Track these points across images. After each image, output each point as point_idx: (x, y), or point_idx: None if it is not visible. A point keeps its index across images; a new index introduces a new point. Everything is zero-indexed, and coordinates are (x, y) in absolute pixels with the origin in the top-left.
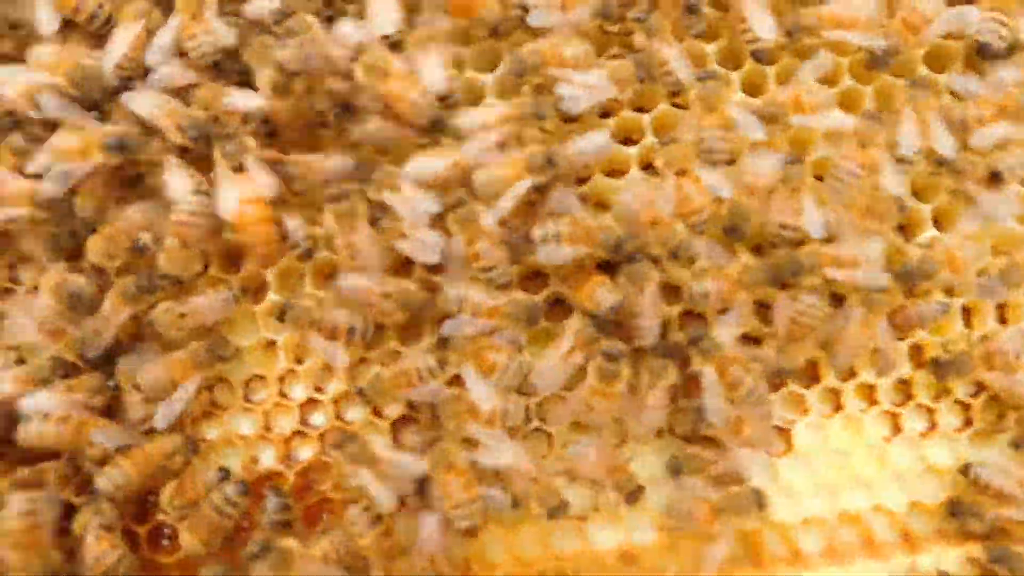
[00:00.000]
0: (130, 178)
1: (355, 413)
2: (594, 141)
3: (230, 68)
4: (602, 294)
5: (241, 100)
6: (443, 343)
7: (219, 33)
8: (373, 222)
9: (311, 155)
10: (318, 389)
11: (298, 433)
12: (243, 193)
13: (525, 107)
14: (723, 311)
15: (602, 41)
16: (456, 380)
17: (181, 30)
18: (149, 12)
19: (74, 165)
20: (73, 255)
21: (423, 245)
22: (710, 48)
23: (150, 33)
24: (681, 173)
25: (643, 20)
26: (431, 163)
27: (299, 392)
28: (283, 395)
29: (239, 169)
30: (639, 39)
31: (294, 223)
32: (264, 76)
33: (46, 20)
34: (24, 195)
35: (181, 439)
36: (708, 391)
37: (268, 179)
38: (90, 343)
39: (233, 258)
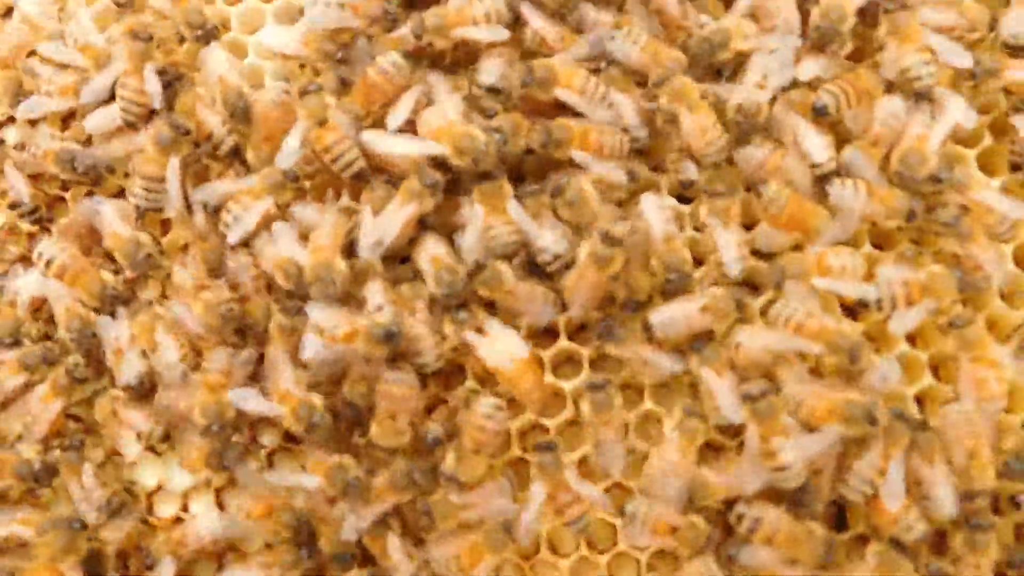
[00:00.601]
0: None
1: None
2: (895, 371)
3: None
4: (912, 522)
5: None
6: (730, 560)
7: (522, 226)
8: None
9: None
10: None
11: None
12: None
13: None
14: None
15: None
16: None
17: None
18: (421, 195)
19: (345, 349)
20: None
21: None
22: (1007, 249)
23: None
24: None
25: (955, 224)
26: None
27: None
28: None
29: (481, 330)
30: (949, 244)
31: None
32: (586, 248)
33: (288, 155)
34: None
35: None
36: None
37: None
38: (350, 527)
39: None
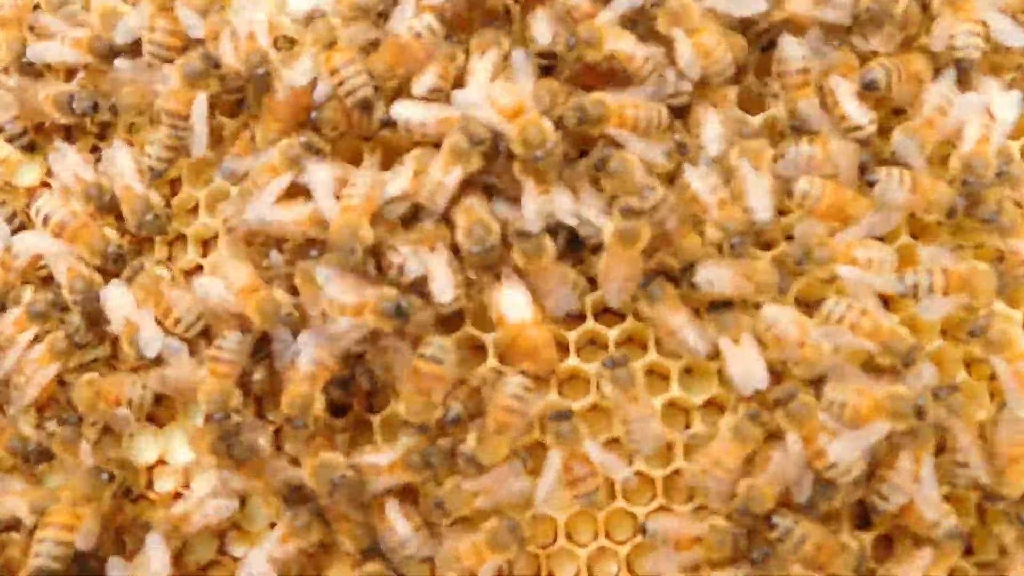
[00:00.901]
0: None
1: None
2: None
3: None
4: (940, 518)
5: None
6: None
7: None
8: None
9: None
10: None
11: None
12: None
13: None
14: None
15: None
16: None
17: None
18: (469, 155)
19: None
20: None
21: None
22: None
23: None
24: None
25: (995, 220)
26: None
27: None
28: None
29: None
30: (991, 238)
31: None
32: (610, 227)
33: (301, 74)
34: None
35: None
36: None
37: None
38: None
39: None
